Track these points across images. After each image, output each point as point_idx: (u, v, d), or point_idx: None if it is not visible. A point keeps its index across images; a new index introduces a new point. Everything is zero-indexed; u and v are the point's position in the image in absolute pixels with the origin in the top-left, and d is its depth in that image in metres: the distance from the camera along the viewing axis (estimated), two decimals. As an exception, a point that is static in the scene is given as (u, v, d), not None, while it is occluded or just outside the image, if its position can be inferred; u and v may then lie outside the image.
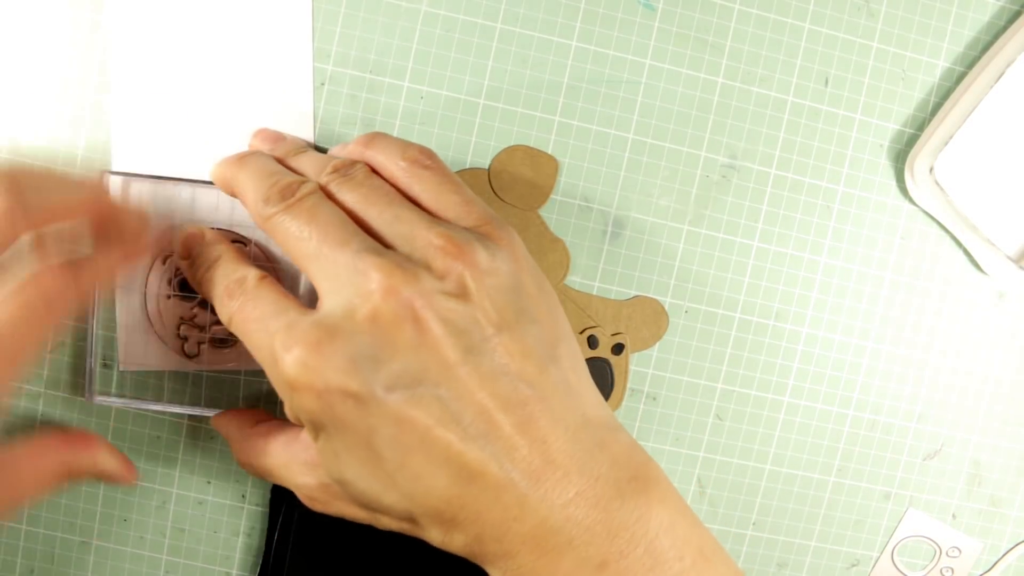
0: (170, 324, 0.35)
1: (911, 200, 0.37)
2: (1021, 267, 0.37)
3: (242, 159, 0.32)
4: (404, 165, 0.30)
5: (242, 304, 0.29)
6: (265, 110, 0.35)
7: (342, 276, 0.27)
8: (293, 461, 0.30)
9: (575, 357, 0.29)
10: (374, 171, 0.30)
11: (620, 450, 0.28)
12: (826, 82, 0.37)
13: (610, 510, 0.26)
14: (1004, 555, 0.40)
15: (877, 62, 0.37)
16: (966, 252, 0.38)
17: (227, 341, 0.35)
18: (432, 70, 0.36)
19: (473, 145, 0.36)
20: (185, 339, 0.35)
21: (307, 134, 0.35)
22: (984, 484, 0.39)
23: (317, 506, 0.30)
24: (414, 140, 0.36)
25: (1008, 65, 0.35)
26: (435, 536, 0.28)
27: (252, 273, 0.30)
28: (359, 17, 0.35)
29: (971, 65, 0.37)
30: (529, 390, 0.27)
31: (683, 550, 0.27)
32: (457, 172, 0.36)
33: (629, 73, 0.36)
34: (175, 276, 0.35)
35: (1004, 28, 0.37)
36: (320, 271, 0.28)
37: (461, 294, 0.27)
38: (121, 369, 0.36)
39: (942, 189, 0.36)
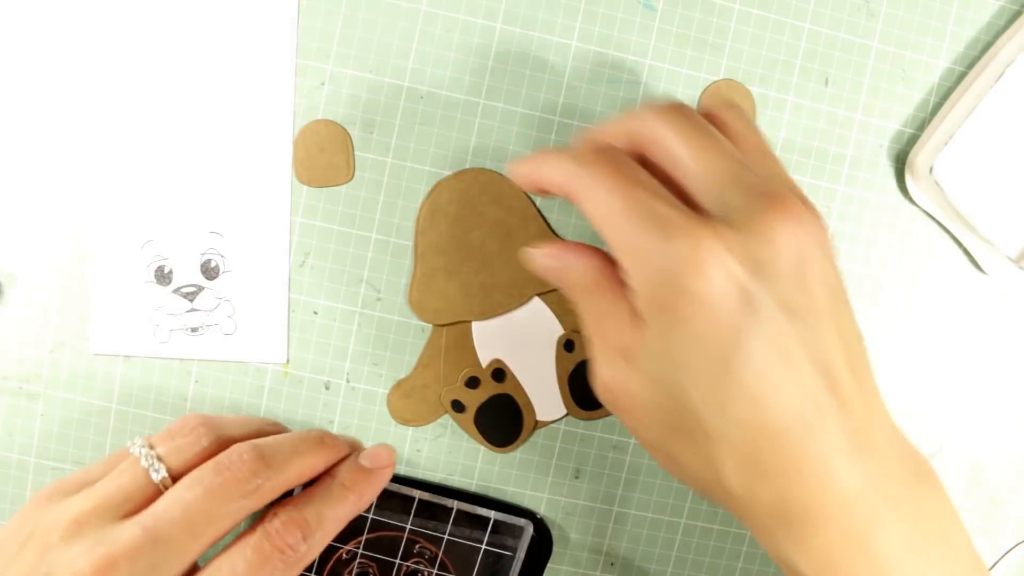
0: (144, 310, 0.35)
1: (911, 200, 0.37)
2: (1021, 267, 0.37)
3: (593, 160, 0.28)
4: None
5: None
6: (254, 108, 0.35)
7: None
8: (608, 339, 0.27)
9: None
10: None
11: (904, 438, 0.28)
12: (826, 82, 0.37)
13: (913, 489, 0.27)
14: (1004, 555, 0.40)
15: (877, 62, 0.37)
16: (966, 252, 0.38)
17: (198, 330, 0.36)
18: (432, 70, 0.36)
19: (473, 145, 0.36)
20: (157, 325, 0.36)
21: (286, 140, 0.36)
22: (984, 484, 0.39)
23: (607, 398, 0.28)
24: (414, 140, 0.36)
25: (1008, 65, 0.35)
26: (735, 483, 0.26)
27: None
28: (359, 17, 0.35)
29: (971, 65, 0.37)
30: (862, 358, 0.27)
31: (958, 541, 0.28)
32: (457, 172, 0.36)
33: (629, 73, 0.36)
34: (152, 263, 0.35)
35: (1004, 28, 0.37)
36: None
37: None
38: (92, 353, 0.36)
39: (942, 189, 0.36)
